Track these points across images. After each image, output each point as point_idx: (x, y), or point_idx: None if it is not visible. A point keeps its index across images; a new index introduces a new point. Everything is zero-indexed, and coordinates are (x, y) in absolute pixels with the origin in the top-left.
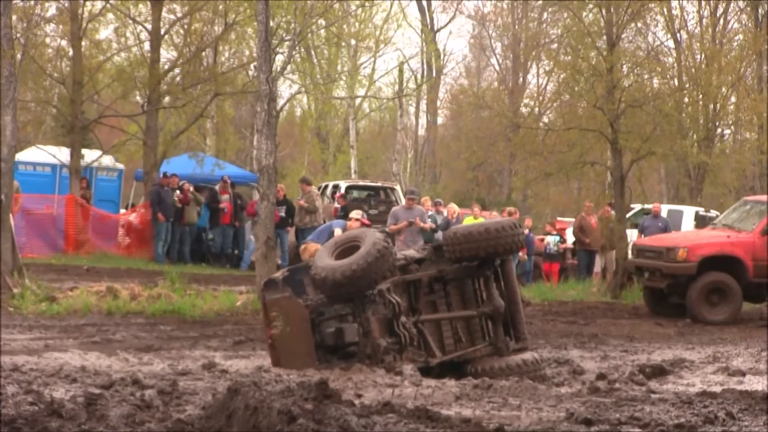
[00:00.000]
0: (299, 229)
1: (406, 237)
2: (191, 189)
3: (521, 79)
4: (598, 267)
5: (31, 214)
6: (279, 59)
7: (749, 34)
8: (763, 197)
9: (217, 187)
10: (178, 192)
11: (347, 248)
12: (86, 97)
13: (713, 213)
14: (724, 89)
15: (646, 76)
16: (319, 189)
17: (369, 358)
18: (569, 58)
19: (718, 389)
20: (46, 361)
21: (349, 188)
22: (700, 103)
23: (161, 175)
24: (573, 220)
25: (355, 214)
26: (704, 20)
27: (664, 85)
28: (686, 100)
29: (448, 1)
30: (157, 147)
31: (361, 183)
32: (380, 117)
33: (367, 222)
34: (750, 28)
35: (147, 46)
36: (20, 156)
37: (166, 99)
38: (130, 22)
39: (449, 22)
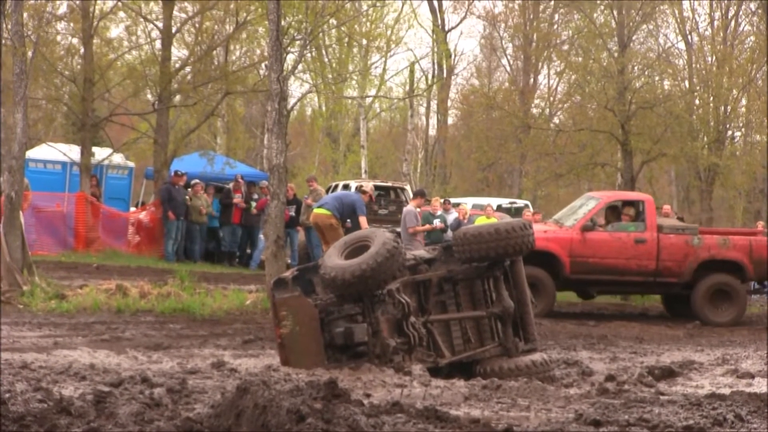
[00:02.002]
0: (307, 227)
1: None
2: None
3: (532, 79)
4: None
5: (41, 212)
6: (290, 58)
7: (760, 36)
8: (602, 193)
9: (230, 186)
10: (189, 190)
11: (357, 248)
12: (97, 95)
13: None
14: (734, 91)
15: (657, 78)
16: (329, 189)
17: (378, 357)
18: (580, 59)
19: (726, 391)
20: (56, 358)
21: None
22: (711, 105)
23: (172, 174)
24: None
25: (368, 187)
26: (715, 22)
27: (675, 87)
28: (697, 102)
29: (460, 0)
30: (167, 145)
31: (371, 183)
32: (391, 117)
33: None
34: (761, 30)
35: (158, 44)
36: (31, 153)
37: (177, 97)
38: (142, 20)
39: (460, 22)
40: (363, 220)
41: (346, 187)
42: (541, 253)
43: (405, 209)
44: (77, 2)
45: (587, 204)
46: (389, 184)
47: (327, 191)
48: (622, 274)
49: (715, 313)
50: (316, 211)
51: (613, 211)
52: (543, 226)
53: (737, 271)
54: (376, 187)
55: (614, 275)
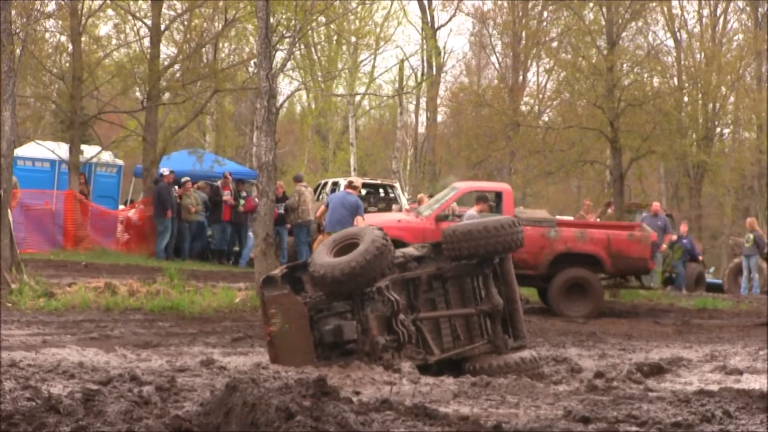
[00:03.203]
0: (296, 224)
1: None
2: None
3: (521, 77)
4: None
5: (30, 210)
6: (279, 56)
7: (749, 34)
8: (465, 183)
9: (218, 183)
10: (176, 188)
11: (346, 245)
12: (86, 93)
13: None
14: (723, 89)
15: (646, 75)
16: (318, 186)
17: (367, 355)
18: (569, 56)
19: (715, 388)
20: (44, 356)
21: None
22: (700, 102)
23: (159, 174)
24: (572, 218)
25: (358, 182)
26: (704, 20)
27: (663, 85)
28: (686, 99)
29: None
30: (156, 143)
31: (360, 180)
32: (380, 114)
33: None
34: (750, 28)
35: (147, 42)
36: (19, 151)
37: (166, 95)
38: (130, 18)
39: (450, 19)
40: (360, 220)
41: (335, 184)
42: (395, 242)
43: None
44: (66, 0)
45: (449, 194)
46: (379, 181)
47: (315, 189)
48: None
49: (570, 306)
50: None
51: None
52: (400, 216)
53: (595, 264)
54: (366, 185)
55: None
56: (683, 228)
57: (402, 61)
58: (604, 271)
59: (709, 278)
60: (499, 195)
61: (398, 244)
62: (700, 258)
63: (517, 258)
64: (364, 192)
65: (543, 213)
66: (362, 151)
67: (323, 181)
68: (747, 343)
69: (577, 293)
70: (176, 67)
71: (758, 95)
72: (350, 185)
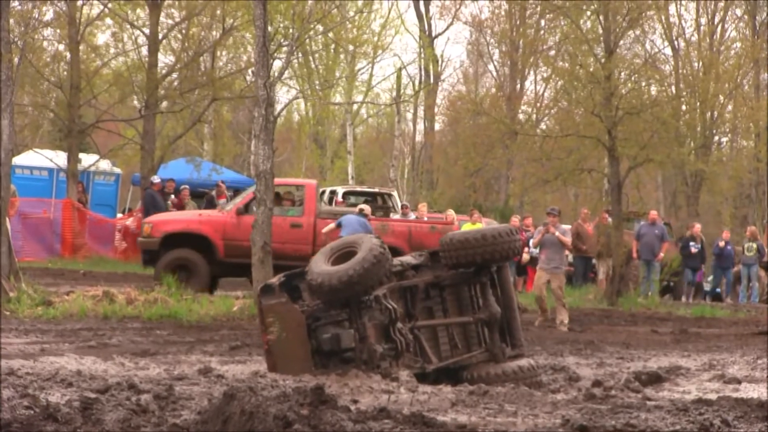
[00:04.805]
0: None
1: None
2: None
3: (519, 85)
4: (602, 274)
5: (28, 218)
6: (277, 64)
7: (747, 42)
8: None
9: (213, 193)
10: (172, 197)
11: (344, 254)
12: (84, 102)
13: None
14: (721, 97)
15: (643, 84)
16: None
17: (365, 363)
18: (567, 65)
19: (713, 397)
20: (42, 365)
21: (346, 194)
22: (698, 110)
23: (150, 182)
24: (570, 226)
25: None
26: (702, 28)
27: (661, 93)
28: (684, 107)
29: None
30: (154, 151)
31: (358, 189)
32: (378, 123)
33: None
34: (747, 37)
35: (145, 50)
36: (17, 160)
37: (164, 104)
38: (128, 26)
39: (447, 28)
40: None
41: (333, 193)
42: (195, 235)
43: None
44: (64, 8)
45: (251, 190)
46: (376, 189)
47: None
48: (278, 258)
49: None
50: None
51: (279, 196)
52: (207, 211)
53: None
54: (363, 193)
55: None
56: (726, 235)
57: (399, 69)
58: None
59: (707, 287)
60: (301, 190)
61: (199, 237)
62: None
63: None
64: (361, 200)
65: (336, 207)
66: (360, 160)
67: (321, 190)
68: (745, 351)
69: None
70: (174, 75)
71: (756, 103)
72: (362, 212)
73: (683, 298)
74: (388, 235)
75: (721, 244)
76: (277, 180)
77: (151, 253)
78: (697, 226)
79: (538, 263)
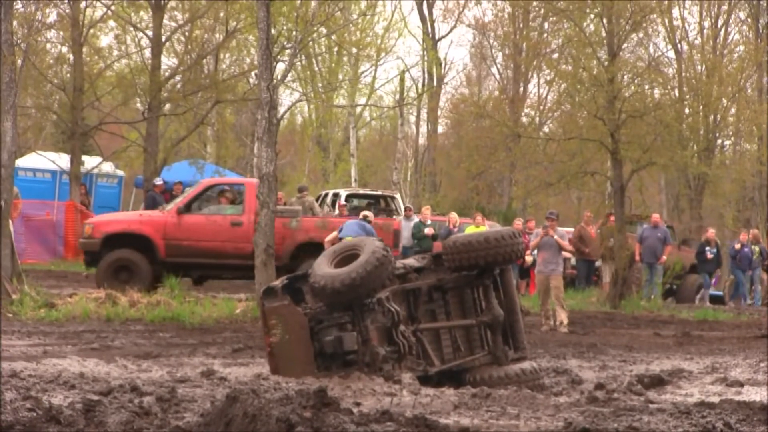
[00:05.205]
0: None
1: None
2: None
3: (522, 88)
4: (607, 276)
5: (31, 220)
6: (280, 67)
7: (750, 45)
8: (210, 180)
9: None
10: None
11: (346, 256)
12: (87, 104)
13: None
14: (724, 100)
15: (646, 87)
16: (319, 197)
17: (368, 366)
18: (570, 67)
19: (716, 400)
20: (45, 367)
21: (349, 196)
22: (701, 113)
23: (154, 183)
24: (572, 229)
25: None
26: (705, 31)
27: (664, 96)
28: (687, 110)
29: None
30: (157, 154)
31: (361, 191)
32: (381, 125)
33: None
34: (751, 40)
35: (148, 53)
36: (20, 162)
37: (167, 106)
38: (131, 29)
39: (450, 31)
40: None
41: (336, 196)
42: (135, 236)
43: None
44: (67, 10)
45: (193, 188)
46: (379, 192)
47: (317, 200)
48: (219, 257)
49: None
50: None
51: (219, 195)
52: (149, 211)
53: None
54: (366, 196)
55: (211, 258)
56: (743, 237)
57: (403, 72)
58: None
59: (711, 290)
60: (241, 188)
61: (140, 237)
62: None
63: None
64: (364, 203)
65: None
66: (363, 162)
67: (324, 192)
68: (748, 354)
69: None
70: (177, 78)
71: (759, 107)
72: (366, 219)
73: (697, 302)
74: (328, 232)
75: (738, 246)
76: (216, 179)
77: (93, 254)
78: (711, 231)
79: (535, 267)
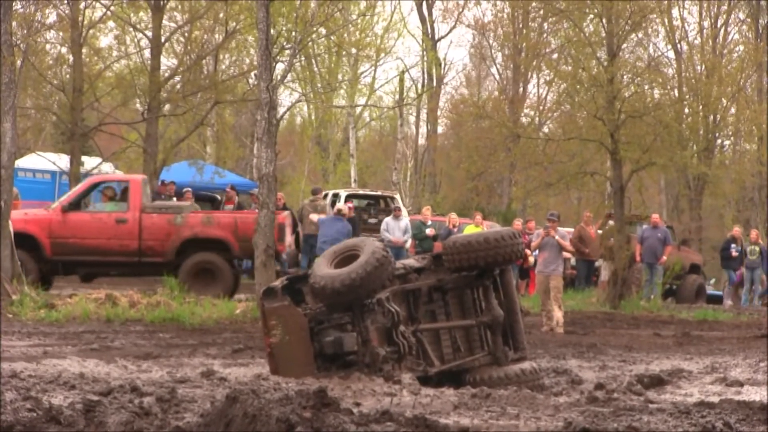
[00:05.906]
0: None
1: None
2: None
3: (522, 88)
4: (604, 276)
5: None
6: (279, 67)
7: (750, 45)
8: (97, 177)
9: (219, 197)
10: (174, 199)
11: (346, 257)
12: (86, 105)
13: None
14: (724, 100)
15: (646, 87)
16: None
17: (368, 366)
18: (570, 68)
19: (716, 399)
20: (45, 367)
21: (349, 197)
22: (701, 114)
23: (159, 183)
24: (572, 230)
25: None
26: (705, 31)
27: (664, 96)
28: (686, 111)
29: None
30: (157, 155)
31: (361, 192)
32: (380, 126)
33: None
34: (750, 40)
35: (147, 53)
36: (20, 163)
37: (167, 107)
38: (131, 29)
39: (450, 31)
40: None
41: (336, 196)
42: (21, 234)
43: None
44: (66, 11)
45: (80, 186)
46: (379, 193)
47: None
48: (105, 254)
49: (203, 290)
50: None
51: (103, 192)
52: (36, 210)
53: (223, 249)
54: (366, 196)
55: (97, 256)
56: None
57: (402, 72)
58: (232, 254)
59: (710, 290)
60: (126, 185)
61: (25, 236)
62: None
63: (144, 246)
64: (364, 203)
65: (162, 202)
66: (362, 163)
67: (323, 193)
68: (747, 354)
69: (208, 277)
70: (177, 78)
71: (759, 107)
72: (338, 213)
73: (725, 301)
74: (213, 228)
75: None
76: (101, 176)
77: None
78: (737, 229)
79: (536, 267)
